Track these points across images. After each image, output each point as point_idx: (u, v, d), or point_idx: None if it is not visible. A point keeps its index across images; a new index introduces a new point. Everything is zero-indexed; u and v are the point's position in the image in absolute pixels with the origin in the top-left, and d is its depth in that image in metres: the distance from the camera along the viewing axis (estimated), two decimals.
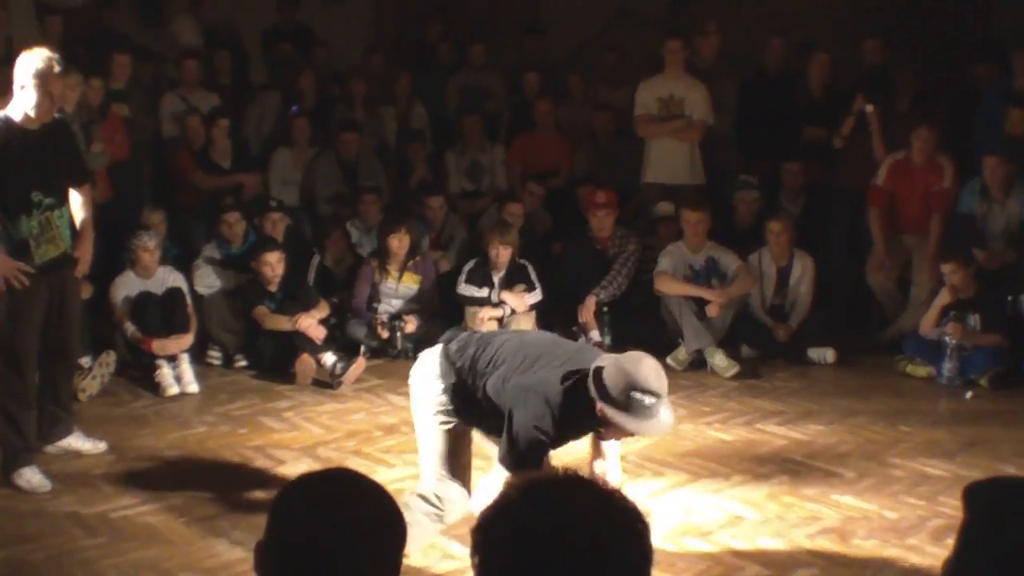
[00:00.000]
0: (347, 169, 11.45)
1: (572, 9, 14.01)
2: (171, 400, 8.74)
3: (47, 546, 6.10)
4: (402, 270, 10.05)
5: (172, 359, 9.03)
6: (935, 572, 5.66)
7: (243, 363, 9.63)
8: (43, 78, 6.69)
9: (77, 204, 7.20)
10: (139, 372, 9.14)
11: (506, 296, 9.73)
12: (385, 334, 9.83)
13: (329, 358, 9.18)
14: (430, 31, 13.63)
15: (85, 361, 8.80)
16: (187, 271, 9.86)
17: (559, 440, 5.38)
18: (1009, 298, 9.42)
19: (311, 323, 9.40)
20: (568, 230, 10.86)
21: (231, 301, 9.81)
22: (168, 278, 9.53)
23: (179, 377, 8.93)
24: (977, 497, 2.27)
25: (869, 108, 10.53)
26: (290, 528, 2.49)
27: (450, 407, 5.63)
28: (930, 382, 9.21)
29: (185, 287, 9.57)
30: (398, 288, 10.05)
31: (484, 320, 9.49)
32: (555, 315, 10.04)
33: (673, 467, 7.30)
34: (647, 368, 5.18)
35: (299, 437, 7.88)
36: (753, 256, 10.02)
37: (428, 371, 5.73)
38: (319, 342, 9.34)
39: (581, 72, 12.75)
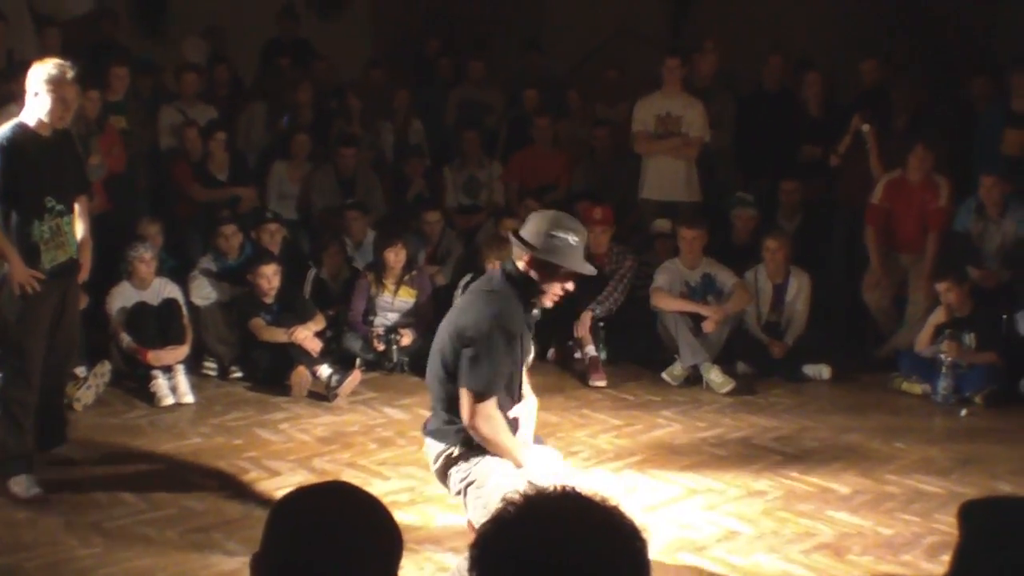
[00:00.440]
0: (344, 183, 11.47)
1: (572, 26, 14.05)
2: (166, 411, 8.73)
3: (41, 555, 6.09)
4: (398, 284, 10.06)
5: (167, 370, 9.02)
6: None
7: (238, 374, 9.61)
8: (57, 83, 6.75)
9: (76, 213, 7.23)
10: (134, 383, 9.13)
11: None
12: (381, 347, 9.83)
13: (325, 370, 9.18)
14: (429, 46, 13.66)
15: (80, 371, 8.80)
16: (183, 283, 9.85)
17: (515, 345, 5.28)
18: (1004, 316, 9.43)
19: (307, 335, 9.41)
20: None
21: (227, 313, 9.81)
22: (164, 289, 9.53)
23: (174, 388, 8.93)
24: (972, 516, 2.27)
25: (866, 127, 10.57)
26: (287, 541, 2.49)
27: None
28: (925, 400, 9.21)
29: (181, 298, 9.57)
30: (394, 302, 10.06)
31: None
32: (552, 330, 10.03)
33: (669, 482, 7.30)
34: (560, 214, 5.39)
35: (294, 449, 7.87)
36: (749, 273, 10.03)
37: (434, 454, 5.52)
38: (315, 354, 9.35)
39: (580, 89, 12.78)
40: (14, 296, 6.85)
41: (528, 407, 5.64)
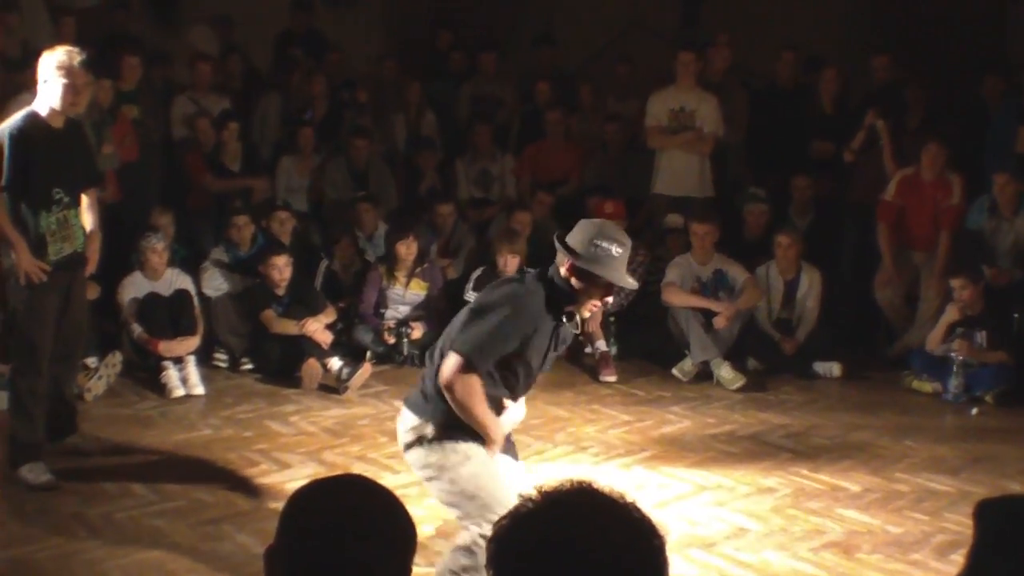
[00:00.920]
0: (357, 176, 11.47)
1: (585, 20, 14.03)
2: (176, 402, 8.75)
3: (51, 546, 6.11)
4: (410, 276, 10.06)
5: (178, 361, 9.04)
6: None
7: (249, 366, 9.63)
8: (66, 70, 6.75)
9: (85, 206, 7.23)
10: (145, 373, 9.15)
11: None
12: (391, 340, 9.83)
13: (335, 363, 9.19)
14: (441, 39, 13.64)
15: (91, 361, 8.82)
16: (195, 273, 9.87)
17: (533, 340, 5.09)
18: (1016, 316, 9.41)
19: (318, 327, 9.41)
20: None
21: (238, 304, 9.81)
22: (176, 280, 9.55)
23: (185, 379, 8.94)
24: (987, 516, 2.27)
25: (880, 123, 10.54)
26: (302, 534, 2.48)
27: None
28: (936, 398, 9.20)
29: (193, 289, 9.59)
30: (405, 294, 10.06)
31: None
32: None
33: (678, 478, 7.30)
34: (607, 223, 5.24)
35: (304, 441, 7.88)
36: (761, 269, 10.02)
37: (407, 426, 5.30)
38: (326, 347, 9.36)
39: (592, 83, 12.76)
40: (20, 286, 6.88)
41: (518, 411, 5.42)
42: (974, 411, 8.90)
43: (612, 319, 10.05)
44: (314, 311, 9.57)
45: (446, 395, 5.01)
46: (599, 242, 5.00)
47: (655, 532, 2.18)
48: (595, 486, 2.26)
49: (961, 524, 6.41)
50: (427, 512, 6.50)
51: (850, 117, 10.96)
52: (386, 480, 6.77)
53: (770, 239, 10.16)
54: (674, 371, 9.61)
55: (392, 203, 11.46)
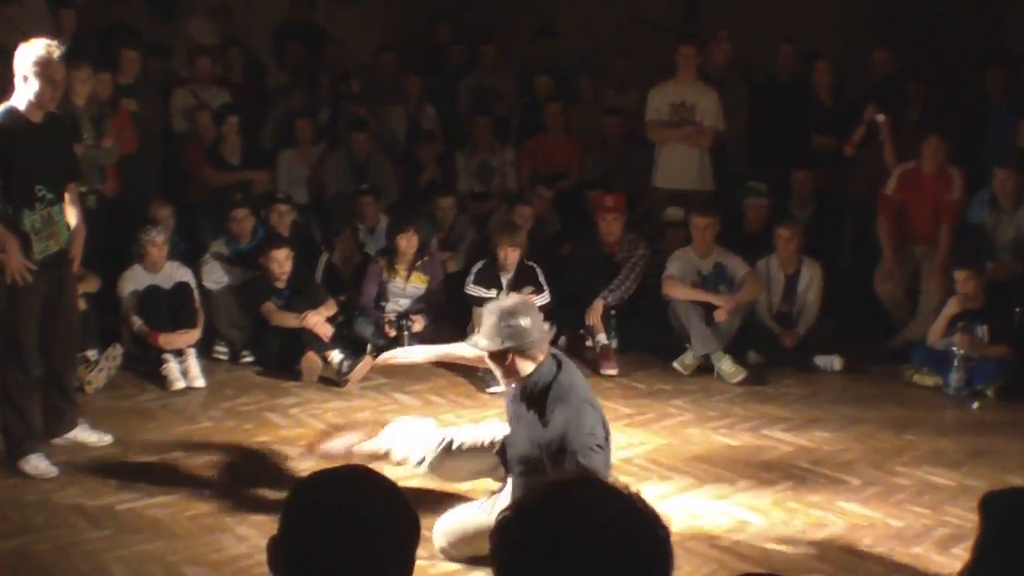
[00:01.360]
0: (357, 168, 11.47)
1: (585, 13, 14.02)
2: (177, 394, 8.75)
3: (52, 537, 6.11)
4: (410, 269, 10.05)
5: (178, 353, 9.04)
6: None
7: (249, 359, 9.63)
8: (44, 65, 6.70)
9: (67, 201, 7.18)
10: (145, 366, 9.15)
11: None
12: (392, 333, 9.83)
13: (336, 356, 9.19)
14: (441, 32, 13.63)
15: (92, 354, 8.82)
16: (195, 266, 9.87)
17: None
18: (1017, 310, 9.40)
19: (318, 320, 9.41)
20: (577, 233, 10.86)
21: (238, 297, 9.82)
22: (176, 273, 9.55)
23: (185, 372, 8.94)
24: (992, 508, 2.27)
25: (880, 118, 10.54)
26: (305, 525, 2.48)
27: None
28: (937, 392, 9.19)
29: (193, 282, 9.59)
30: (406, 287, 10.06)
31: None
32: (563, 317, 10.03)
33: (679, 472, 7.29)
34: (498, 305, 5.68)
35: (304, 434, 7.86)
36: (761, 262, 10.02)
37: None
38: (326, 340, 9.36)
39: (592, 76, 12.76)
40: (3, 284, 6.82)
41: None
42: (975, 405, 8.90)
43: (613, 313, 10.05)
44: (314, 304, 9.56)
45: None
46: (506, 324, 5.50)
47: (659, 522, 2.17)
48: (598, 478, 2.25)
49: (962, 518, 6.42)
50: (430, 504, 6.49)
51: (850, 111, 10.97)
52: (387, 472, 6.78)
53: (770, 232, 10.15)
54: (675, 364, 9.61)
55: (392, 196, 11.46)
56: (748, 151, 11.61)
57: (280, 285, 9.62)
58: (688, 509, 6.66)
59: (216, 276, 9.94)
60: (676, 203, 10.81)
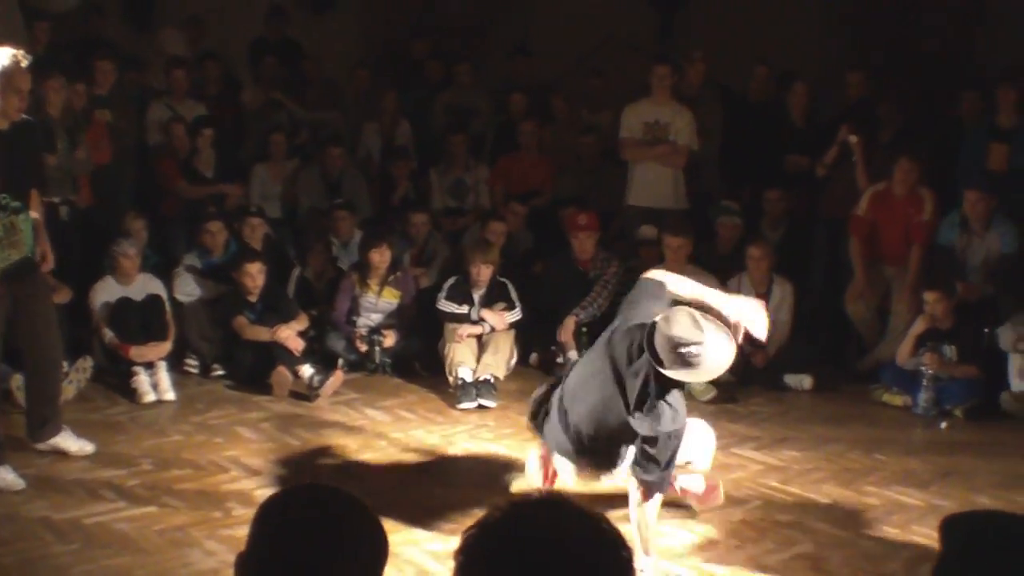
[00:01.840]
0: (331, 183, 11.47)
1: (561, 32, 14.04)
2: (147, 407, 8.73)
3: (18, 551, 6.07)
4: (382, 285, 10.05)
5: (149, 366, 9.02)
6: None
7: (220, 372, 9.61)
8: (9, 76, 6.68)
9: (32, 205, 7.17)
10: (116, 378, 9.14)
11: (486, 314, 9.72)
12: (364, 348, 9.83)
13: (307, 370, 9.17)
14: (417, 48, 13.64)
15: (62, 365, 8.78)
16: (167, 279, 9.85)
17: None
18: (986, 330, 9.45)
19: (290, 335, 9.39)
20: (550, 250, 10.88)
21: (210, 310, 9.80)
22: (148, 285, 9.53)
23: (156, 384, 8.92)
24: (952, 531, 2.29)
25: (853, 139, 10.59)
26: (273, 541, 2.49)
27: None
28: (906, 411, 9.22)
29: (165, 295, 9.57)
30: (378, 302, 10.05)
31: (463, 337, 9.48)
32: (534, 334, 10.05)
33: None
34: (681, 323, 5.60)
35: (275, 448, 7.86)
36: (733, 281, 10.03)
37: None
38: (297, 354, 9.34)
39: (566, 95, 12.79)
40: None
41: None
42: (944, 425, 8.93)
43: (584, 330, 10.05)
44: (286, 318, 9.55)
45: None
46: (680, 351, 5.59)
47: (623, 544, 2.18)
48: (563, 497, 2.26)
49: (931, 538, 6.43)
50: (398, 520, 6.50)
51: (823, 132, 11.01)
52: (354, 488, 6.77)
53: (742, 252, 10.18)
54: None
55: (366, 212, 11.45)
56: (721, 171, 11.64)
57: (252, 299, 9.61)
58: (657, 527, 6.66)
59: (188, 289, 9.93)
60: (650, 222, 10.82)
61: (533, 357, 10.19)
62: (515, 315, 9.80)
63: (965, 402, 9.11)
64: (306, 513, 2.51)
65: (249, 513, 2.59)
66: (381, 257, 9.96)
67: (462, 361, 9.25)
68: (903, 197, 10.13)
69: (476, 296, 9.81)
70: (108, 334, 9.19)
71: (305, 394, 9.06)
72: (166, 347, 9.22)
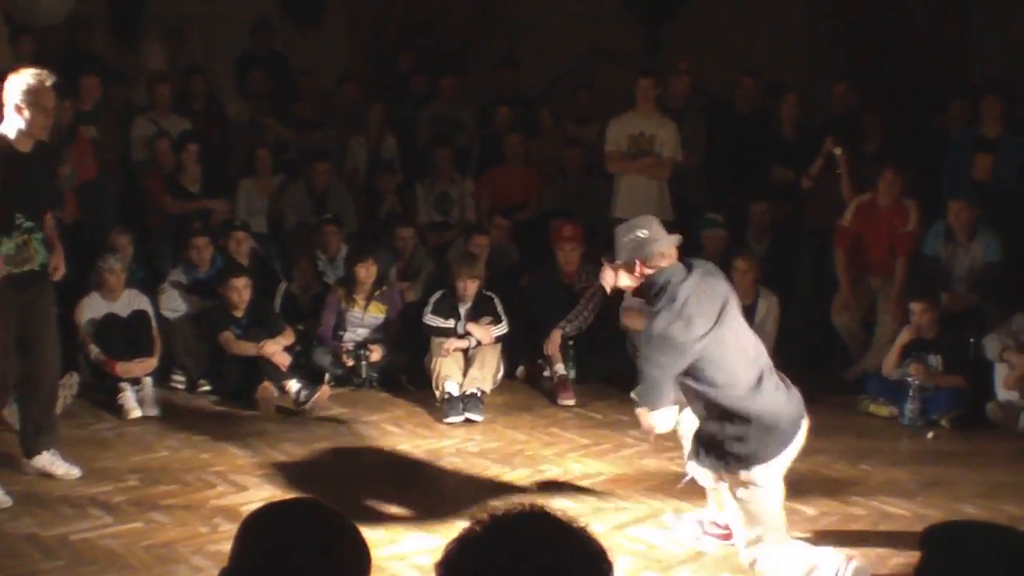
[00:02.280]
0: (317, 198, 11.46)
1: (546, 45, 14.07)
2: (134, 423, 8.72)
3: (5, 568, 6.06)
4: (369, 299, 10.04)
5: (135, 382, 9.01)
6: None
7: (207, 388, 9.61)
8: (36, 94, 6.75)
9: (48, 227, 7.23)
10: (102, 394, 9.12)
11: (472, 328, 9.72)
12: (350, 363, 9.82)
13: (293, 385, 9.16)
14: (403, 61, 13.65)
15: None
16: (153, 294, 9.84)
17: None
18: (971, 340, 9.48)
19: (276, 350, 9.39)
20: (536, 264, 10.89)
21: (196, 325, 9.80)
22: (134, 301, 9.52)
23: (142, 400, 8.91)
24: (932, 541, 2.30)
25: (838, 150, 10.62)
26: (255, 557, 2.49)
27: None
28: (892, 422, 9.23)
29: (151, 310, 9.56)
30: (364, 317, 10.05)
31: (450, 351, 9.48)
32: (521, 348, 10.06)
33: (635, 501, 7.30)
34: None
35: (262, 464, 7.86)
36: None
37: None
38: (284, 369, 9.33)
39: (551, 108, 12.80)
40: None
41: None
42: (930, 435, 8.95)
43: (571, 343, 10.07)
44: (273, 333, 9.55)
45: None
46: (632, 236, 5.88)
47: (604, 556, 2.19)
48: (545, 510, 2.26)
49: (917, 548, 6.44)
50: (383, 535, 6.51)
51: (809, 144, 11.04)
52: (341, 502, 6.77)
53: (728, 264, 10.19)
54: (632, 395, 9.58)
55: (352, 226, 11.45)
56: (706, 182, 11.66)
57: (238, 314, 9.60)
58: (644, 539, 6.67)
59: (174, 304, 9.92)
60: None
61: (520, 371, 10.19)
62: (501, 329, 9.80)
63: (951, 412, 9.12)
64: (289, 528, 2.51)
65: (235, 529, 2.59)
66: (367, 272, 9.96)
67: (449, 375, 9.25)
68: (888, 208, 10.16)
69: (462, 310, 9.81)
70: (94, 350, 9.18)
71: (292, 409, 9.06)
72: (152, 363, 9.22)
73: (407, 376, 9.93)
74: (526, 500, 2.33)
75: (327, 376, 9.72)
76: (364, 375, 9.79)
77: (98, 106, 11.01)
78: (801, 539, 6.22)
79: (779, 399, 5.90)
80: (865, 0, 13.37)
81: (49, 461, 7.41)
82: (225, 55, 13.38)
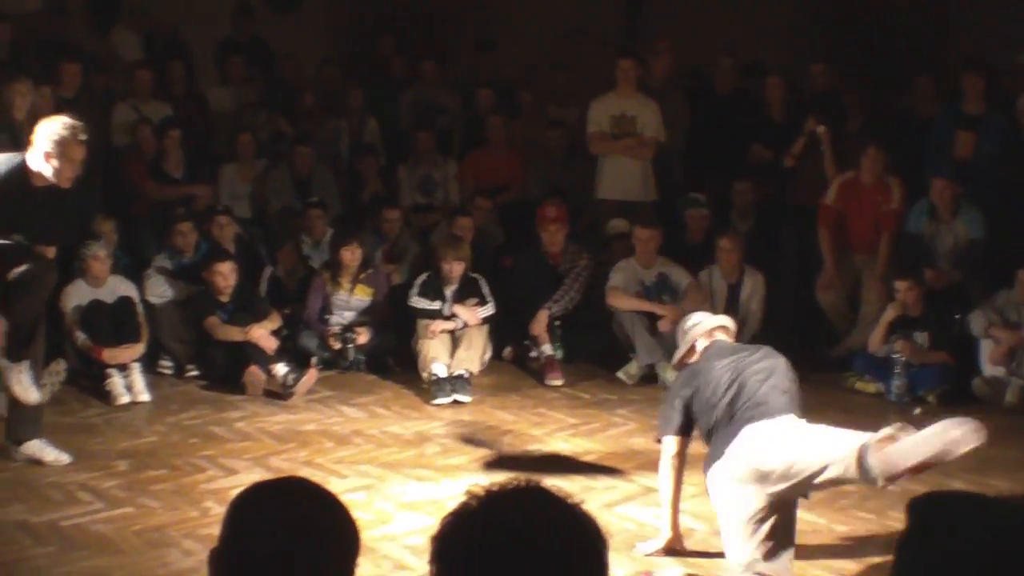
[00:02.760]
0: (300, 183, 11.44)
1: (526, 26, 14.04)
2: (122, 409, 8.71)
3: None
4: (354, 282, 10.04)
5: (123, 368, 9.00)
6: None
7: (194, 373, 9.60)
8: (65, 146, 6.86)
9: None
10: (89, 381, 9.10)
11: (458, 310, 9.73)
12: (337, 346, 9.82)
13: (281, 369, 9.16)
14: (383, 45, 13.61)
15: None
16: (138, 281, 9.82)
17: None
18: (956, 316, 9.52)
19: (262, 334, 9.38)
20: (521, 245, 10.89)
21: (182, 311, 9.78)
22: (119, 287, 9.50)
23: (130, 386, 8.90)
24: (917, 509, 2.31)
25: (820, 129, 10.63)
26: (245, 536, 2.50)
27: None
28: (879, 398, 9.28)
29: (136, 296, 9.55)
30: (350, 300, 10.05)
31: (436, 332, 9.49)
32: (507, 329, 10.07)
33: (625, 479, 7.33)
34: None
35: (250, 447, 7.87)
36: (703, 273, 10.09)
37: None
38: (270, 353, 9.32)
39: (533, 90, 12.79)
40: None
41: None
42: (917, 411, 8.96)
43: (557, 323, 10.08)
44: (259, 318, 9.54)
45: None
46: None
47: (599, 532, 2.20)
48: (542, 485, 2.27)
49: (904, 522, 6.46)
50: (374, 516, 6.53)
51: (791, 123, 11.05)
52: (333, 485, 6.77)
53: (712, 243, 10.22)
54: (619, 374, 9.65)
55: (336, 209, 11.43)
56: (688, 162, 11.67)
57: (224, 299, 9.59)
58: (634, 518, 6.70)
59: (160, 290, 9.90)
60: (620, 214, 10.86)
61: (507, 351, 10.21)
62: (487, 310, 9.81)
63: (937, 388, 9.18)
64: (277, 506, 2.52)
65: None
66: (352, 255, 9.96)
67: (436, 357, 9.26)
68: (871, 186, 10.19)
69: (448, 292, 9.82)
70: (80, 337, 9.16)
71: (279, 393, 9.06)
72: (139, 349, 9.20)
73: (394, 358, 9.94)
74: (520, 477, 2.33)
75: (314, 359, 9.72)
76: (351, 358, 9.80)
77: (79, 93, 10.95)
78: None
79: None
80: None
81: (39, 448, 7.40)
82: (202, 40, 13.29)
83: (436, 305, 9.76)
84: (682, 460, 6.25)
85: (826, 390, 9.42)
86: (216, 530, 2.55)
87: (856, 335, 10.16)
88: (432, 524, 2.35)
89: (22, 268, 6.96)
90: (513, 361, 10.14)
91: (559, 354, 9.93)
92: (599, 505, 6.74)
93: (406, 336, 9.75)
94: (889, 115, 11.49)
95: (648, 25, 13.67)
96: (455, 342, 9.55)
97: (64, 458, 7.43)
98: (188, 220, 10.22)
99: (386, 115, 12.57)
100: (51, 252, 7.36)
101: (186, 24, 13.26)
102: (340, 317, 10.03)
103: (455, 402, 8.98)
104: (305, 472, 7.28)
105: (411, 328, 9.73)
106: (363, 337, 9.86)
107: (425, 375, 9.23)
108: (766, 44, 12.73)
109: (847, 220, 10.33)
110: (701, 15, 13.40)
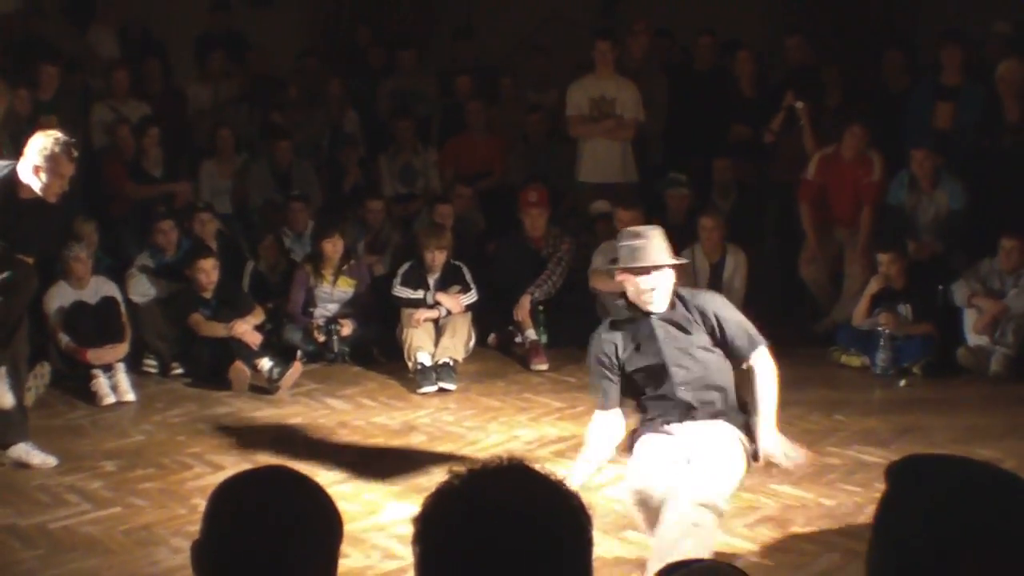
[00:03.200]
0: (280, 177, 11.43)
1: (502, 12, 14.02)
2: (107, 409, 8.69)
3: None
4: (337, 274, 10.03)
5: (107, 368, 8.98)
6: None
7: (179, 371, 9.58)
8: (55, 161, 6.87)
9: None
10: (74, 382, 9.07)
11: (441, 298, 9.73)
12: (321, 338, 9.82)
13: (266, 363, 9.15)
14: (361, 35, 13.59)
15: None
16: (121, 280, 9.80)
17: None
18: (940, 288, 9.54)
19: (247, 329, 9.37)
20: (503, 231, 10.88)
21: (166, 309, 9.76)
22: (102, 288, 9.48)
23: (115, 386, 8.88)
24: (896, 473, 2.32)
25: (799, 104, 10.64)
26: (227, 527, 2.49)
27: None
28: (864, 371, 9.30)
29: (119, 296, 9.52)
30: (333, 292, 10.04)
31: (420, 321, 9.49)
32: (491, 315, 10.07)
33: (611, 462, 7.30)
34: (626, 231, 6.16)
35: (237, 443, 7.85)
36: (686, 252, 10.06)
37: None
38: (255, 348, 9.31)
39: (511, 75, 12.78)
40: None
41: None
42: (902, 383, 9.01)
43: (541, 308, 10.08)
44: (242, 313, 9.53)
45: None
46: (621, 244, 6.03)
47: (582, 509, 2.19)
48: (523, 462, 2.26)
49: None
50: (361, 507, 6.52)
51: (769, 99, 11.06)
52: (320, 477, 6.76)
53: (693, 222, 10.22)
54: None
55: (317, 202, 11.42)
56: (667, 142, 11.67)
57: (207, 295, 9.58)
58: (619, 499, 6.68)
59: (142, 289, 9.88)
60: (602, 196, 10.86)
61: (491, 338, 10.21)
62: (471, 297, 9.81)
63: (922, 359, 9.21)
64: (259, 496, 2.51)
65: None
66: (334, 247, 9.95)
67: (420, 346, 9.26)
68: (852, 160, 10.19)
69: (431, 280, 9.82)
70: (64, 339, 9.14)
71: (265, 387, 9.05)
72: (123, 348, 9.19)
73: (379, 349, 9.94)
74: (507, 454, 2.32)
75: (299, 352, 9.70)
76: (336, 350, 9.80)
77: (57, 95, 10.92)
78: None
79: None
80: None
81: (25, 451, 7.38)
82: (179, 35, 13.25)
83: (419, 294, 9.76)
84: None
85: (811, 365, 9.45)
86: None
87: (840, 309, 10.19)
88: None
89: (3, 275, 6.95)
90: (497, 347, 10.15)
91: (543, 339, 9.93)
92: (586, 487, 6.73)
93: (390, 326, 9.75)
94: (866, 89, 11.49)
95: (625, 6, 13.66)
96: (439, 330, 9.55)
97: (51, 461, 7.41)
98: (169, 218, 10.21)
99: (364, 105, 12.55)
100: (30, 258, 7.36)
101: (161, 19, 13.22)
102: (324, 309, 10.03)
103: (441, 390, 8.98)
104: (292, 465, 7.25)
105: (395, 318, 9.73)
106: (347, 329, 9.86)
107: (410, 364, 9.23)
108: (742, 21, 12.72)
109: (828, 194, 10.34)
110: None
